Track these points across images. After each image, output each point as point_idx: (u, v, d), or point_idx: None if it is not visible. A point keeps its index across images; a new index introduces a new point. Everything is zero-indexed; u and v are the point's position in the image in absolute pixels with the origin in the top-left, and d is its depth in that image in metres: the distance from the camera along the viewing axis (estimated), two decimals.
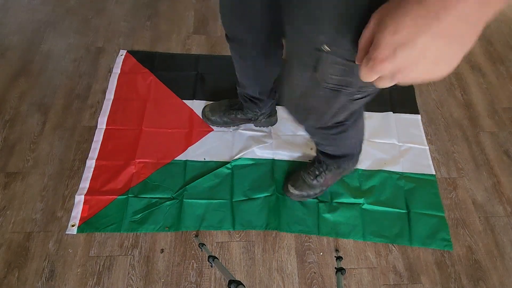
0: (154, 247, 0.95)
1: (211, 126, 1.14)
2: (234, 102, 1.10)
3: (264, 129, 1.15)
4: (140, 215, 0.98)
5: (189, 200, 1.01)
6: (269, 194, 1.03)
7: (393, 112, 1.22)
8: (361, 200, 1.03)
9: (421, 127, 1.20)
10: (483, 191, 1.09)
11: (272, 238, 0.98)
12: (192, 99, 1.21)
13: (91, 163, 1.05)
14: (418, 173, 1.10)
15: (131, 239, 0.95)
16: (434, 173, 1.10)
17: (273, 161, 1.09)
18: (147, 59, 1.29)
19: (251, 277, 0.93)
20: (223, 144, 1.12)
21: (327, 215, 1.01)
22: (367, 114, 1.20)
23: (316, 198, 1.02)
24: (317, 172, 0.97)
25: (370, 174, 1.09)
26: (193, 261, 0.93)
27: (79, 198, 0.99)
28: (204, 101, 1.20)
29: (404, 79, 0.29)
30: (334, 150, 0.87)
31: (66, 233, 0.94)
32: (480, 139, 1.19)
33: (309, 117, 0.66)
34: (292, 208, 1.01)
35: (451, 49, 0.26)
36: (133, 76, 1.24)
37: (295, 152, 1.10)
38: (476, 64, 1.39)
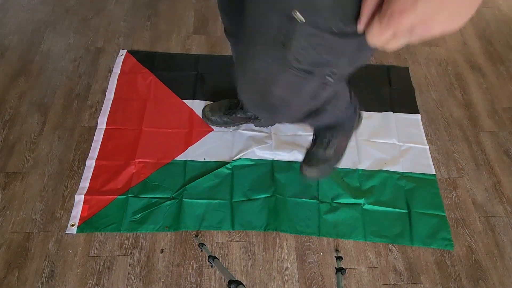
0: (154, 247, 0.95)
1: (211, 126, 1.14)
2: (234, 102, 1.10)
3: (264, 129, 1.15)
4: (140, 215, 0.98)
5: (189, 200, 1.01)
6: (268, 195, 1.03)
7: (393, 112, 1.22)
8: (361, 201, 1.03)
9: (421, 127, 1.20)
10: (483, 191, 1.09)
11: (272, 238, 0.98)
12: (192, 99, 1.20)
13: (91, 163, 1.05)
14: (418, 173, 1.10)
15: (131, 239, 0.95)
16: (434, 173, 1.10)
17: (273, 161, 1.09)
18: (147, 59, 1.29)
19: (251, 277, 0.93)
20: (223, 144, 1.12)
21: (328, 216, 1.01)
22: (367, 114, 1.20)
23: (317, 198, 1.02)
24: (325, 142, 0.86)
25: (370, 174, 1.09)
26: (193, 261, 0.93)
27: (79, 198, 0.98)
28: (204, 101, 1.20)
29: (423, 33, 0.28)
30: (327, 123, 0.79)
31: (66, 232, 0.94)
32: (480, 139, 1.19)
33: (277, 113, 0.57)
34: (292, 209, 1.01)
35: None
36: (133, 76, 1.24)
37: (295, 152, 1.10)
38: (476, 64, 1.39)
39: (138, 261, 0.92)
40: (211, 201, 1.01)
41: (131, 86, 1.22)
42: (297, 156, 1.09)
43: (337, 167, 0.95)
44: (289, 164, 1.09)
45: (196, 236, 0.96)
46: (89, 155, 1.06)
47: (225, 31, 0.71)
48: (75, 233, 0.94)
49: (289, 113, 0.58)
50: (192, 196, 1.01)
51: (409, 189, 1.06)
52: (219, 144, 1.12)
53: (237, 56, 0.54)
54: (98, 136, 1.10)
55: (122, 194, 1.00)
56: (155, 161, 1.07)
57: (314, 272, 0.94)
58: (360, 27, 0.31)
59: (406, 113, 1.22)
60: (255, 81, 0.49)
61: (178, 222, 0.97)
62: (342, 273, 0.72)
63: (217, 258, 0.71)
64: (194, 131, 1.13)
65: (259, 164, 1.08)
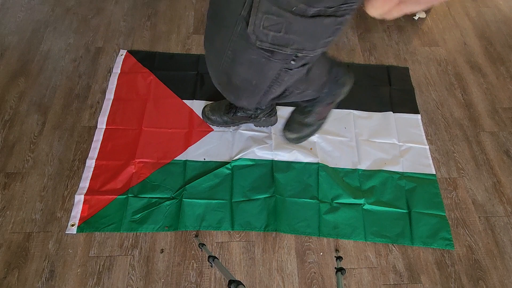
0: (154, 247, 0.95)
1: (211, 126, 1.14)
2: None
3: (264, 129, 1.15)
4: (139, 215, 0.97)
5: (189, 200, 1.01)
6: (268, 195, 1.03)
7: (393, 112, 1.22)
8: (361, 201, 1.03)
9: (421, 127, 1.20)
10: (483, 191, 1.09)
11: (272, 238, 0.98)
12: (192, 99, 1.20)
13: (91, 163, 1.05)
14: (418, 173, 1.10)
15: (131, 239, 0.95)
16: (434, 172, 1.10)
17: (272, 161, 1.09)
18: (147, 59, 1.29)
19: (251, 277, 0.93)
20: (223, 144, 1.12)
21: (328, 216, 1.00)
22: (367, 114, 1.20)
23: (317, 198, 1.02)
24: (307, 109, 0.87)
25: (370, 174, 1.09)
26: (193, 261, 0.93)
27: (79, 198, 0.98)
28: (204, 101, 1.20)
29: None
30: (298, 100, 0.79)
31: (66, 232, 0.94)
32: (480, 139, 1.19)
33: (241, 95, 0.59)
34: (292, 209, 1.01)
35: None
36: (133, 76, 1.24)
37: (295, 152, 1.10)
38: (476, 64, 1.39)
39: (138, 261, 0.92)
40: (211, 201, 1.01)
41: (131, 86, 1.22)
42: (297, 156, 1.09)
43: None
44: (289, 164, 1.09)
45: (196, 236, 0.96)
46: (89, 155, 1.06)
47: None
48: (75, 233, 0.94)
49: (253, 96, 0.58)
50: (192, 196, 1.01)
51: (409, 189, 1.06)
52: (219, 144, 1.11)
53: (206, 34, 0.54)
54: (98, 136, 1.10)
55: (122, 194, 1.00)
56: (155, 161, 1.07)
57: (314, 272, 0.94)
58: None
59: (406, 113, 1.22)
60: (220, 58, 0.50)
61: (178, 222, 0.97)
62: (342, 273, 0.72)
63: (217, 258, 0.71)
64: (194, 131, 1.13)
65: (259, 164, 1.08)
